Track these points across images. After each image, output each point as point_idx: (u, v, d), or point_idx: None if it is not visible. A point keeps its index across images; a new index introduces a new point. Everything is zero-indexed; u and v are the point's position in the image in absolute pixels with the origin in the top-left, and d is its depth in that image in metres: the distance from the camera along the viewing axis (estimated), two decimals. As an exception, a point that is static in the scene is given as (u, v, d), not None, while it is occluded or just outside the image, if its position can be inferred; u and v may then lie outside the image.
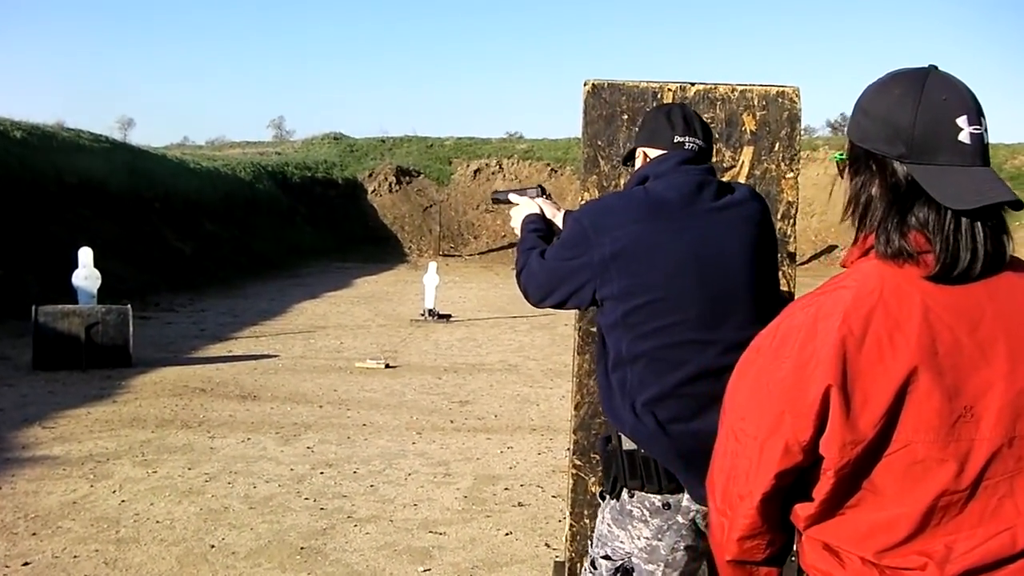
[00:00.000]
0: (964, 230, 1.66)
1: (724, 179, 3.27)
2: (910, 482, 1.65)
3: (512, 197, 3.44)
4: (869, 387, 1.63)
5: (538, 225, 3.21)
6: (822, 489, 1.71)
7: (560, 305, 2.95)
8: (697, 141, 2.92)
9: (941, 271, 1.66)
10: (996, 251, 1.69)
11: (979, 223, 1.67)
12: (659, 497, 2.76)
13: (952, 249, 1.65)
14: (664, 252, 2.72)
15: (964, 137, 1.68)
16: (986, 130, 1.71)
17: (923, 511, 1.65)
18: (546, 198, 3.40)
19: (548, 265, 2.92)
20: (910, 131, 1.69)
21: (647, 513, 2.79)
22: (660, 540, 2.78)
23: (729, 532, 1.83)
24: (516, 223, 3.32)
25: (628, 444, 2.79)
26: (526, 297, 3.05)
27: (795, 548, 1.84)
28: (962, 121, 1.68)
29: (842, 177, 1.85)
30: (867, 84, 1.81)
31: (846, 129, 1.86)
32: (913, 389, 1.63)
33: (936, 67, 1.75)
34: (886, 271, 1.70)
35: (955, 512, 1.66)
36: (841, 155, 1.86)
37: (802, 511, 1.76)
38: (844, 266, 1.81)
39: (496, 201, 3.60)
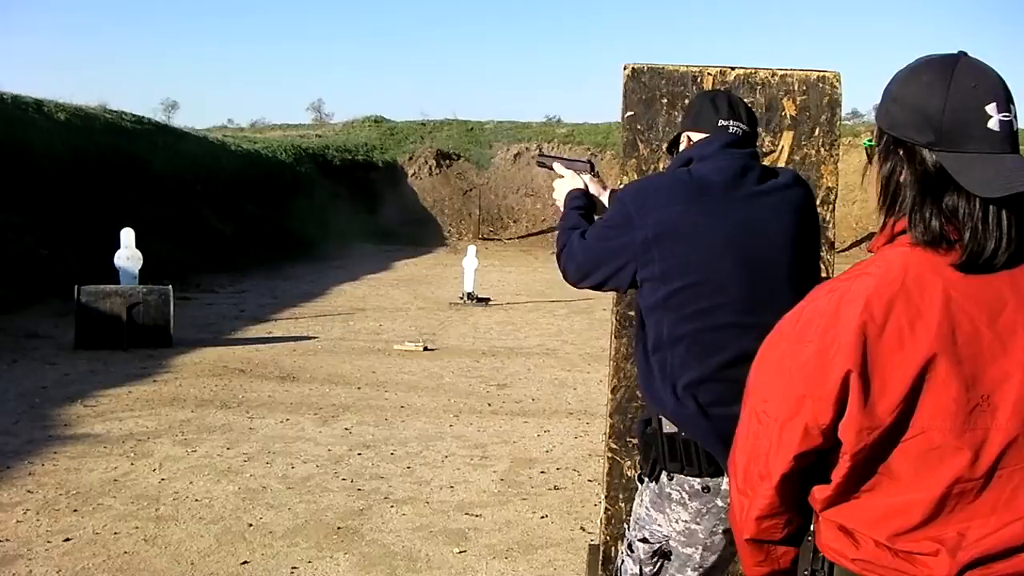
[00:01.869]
0: (992, 218, 1.65)
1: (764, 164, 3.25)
2: (925, 468, 1.66)
3: (557, 167, 3.37)
4: (888, 374, 1.64)
5: (581, 203, 3.18)
6: (839, 472, 1.72)
7: (599, 287, 2.95)
8: (741, 125, 2.90)
9: (968, 260, 1.65)
10: (1022, 240, 1.68)
11: (1007, 212, 1.66)
12: (699, 480, 2.76)
13: (980, 238, 1.65)
14: (706, 235, 2.71)
15: (993, 124, 1.66)
16: (1016, 116, 1.70)
17: (937, 497, 1.66)
18: (593, 175, 3.35)
19: (589, 245, 2.92)
20: (939, 119, 1.68)
21: (686, 496, 2.79)
22: (699, 524, 2.78)
23: (748, 511, 1.85)
24: (559, 196, 3.29)
25: (668, 427, 2.79)
26: (565, 277, 3.04)
27: (812, 528, 1.84)
28: (991, 108, 1.67)
29: (871, 163, 1.85)
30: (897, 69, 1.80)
31: (875, 115, 1.85)
32: (931, 377, 1.63)
33: (966, 53, 1.74)
34: (911, 259, 1.69)
35: (969, 500, 1.66)
36: (871, 141, 1.85)
37: (819, 493, 1.77)
38: (871, 251, 1.80)
39: (541, 164, 3.55)
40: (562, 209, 3.23)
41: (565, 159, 3.41)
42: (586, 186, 3.27)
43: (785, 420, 1.73)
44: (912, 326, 1.64)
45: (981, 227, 1.65)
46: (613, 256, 2.85)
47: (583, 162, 3.40)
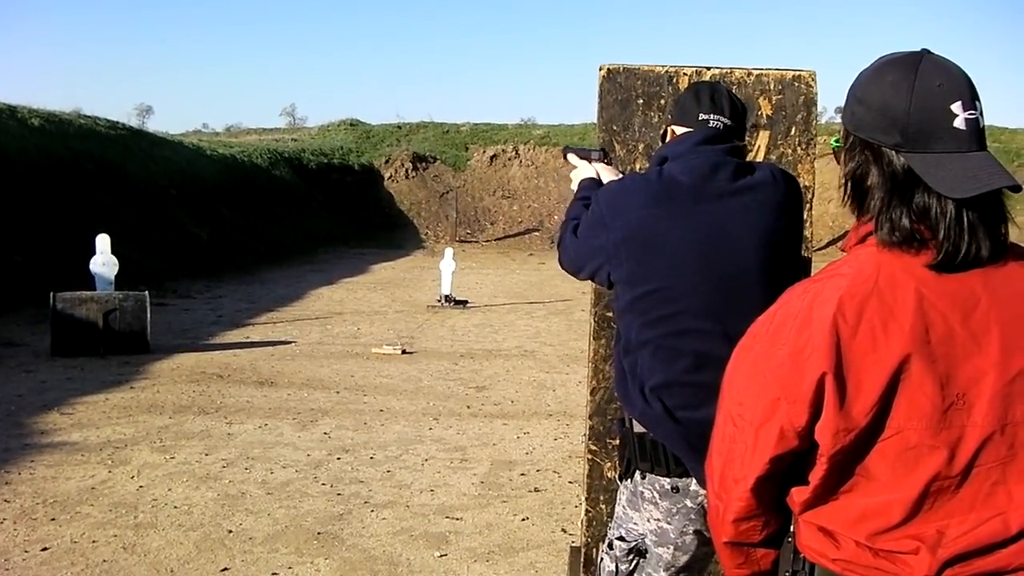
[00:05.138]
0: (964, 218, 1.66)
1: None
2: (903, 468, 1.66)
3: (571, 158, 3.38)
4: (862, 375, 1.64)
5: (587, 194, 3.14)
6: (816, 474, 1.72)
7: (591, 279, 3.02)
8: (722, 119, 2.86)
9: (944, 260, 1.66)
10: (995, 239, 1.68)
11: (979, 211, 1.66)
12: (668, 480, 2.77)
13: (955, 238, 1.65)
14: (669, 240, 2.71)
15: (959, 123, 1.67)
16: (982, 113, 1.70)
17: (915, 496, 1.66)
18: (607, 162, 3.34)
19: (576, 242, 2.95)
20: (905, 120, 1.68)
21: (657, 495, 2.80)
22: (670, 523, 2.79)
23: (724, 514, 1.86)
24: (574, 187, 3.29)
25: (639, 427, 2.80)
26: (561, 267, 3.09)
27: (792, 529, 1.84)
28: (956, 107, 1.67)
29: (839, 163, 1.85)
30: (861, 70, 1.80)
31: (841, 116, 1.85)
32: (906, 377, 1.64)
33: (929, 51, 1.74)
34: (883, 259, 1.70)
35: (947, 498, 1.67)
36: (838, 142, 1.85)
37: (798, 495, 1.78)
38: (844, 250, 1.80)
39: (565, 157, 3.54)
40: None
41: (579, 149, 3.40)
42: (598, 174, 3.25)
43: (760, 423, 1.74)
44: (885, 326, 1.64)
45: (955, 227, 1.65)
46: (593, 255, 2.87)
47: (596, 150, 3.38)
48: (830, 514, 1.74)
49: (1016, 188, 1.66)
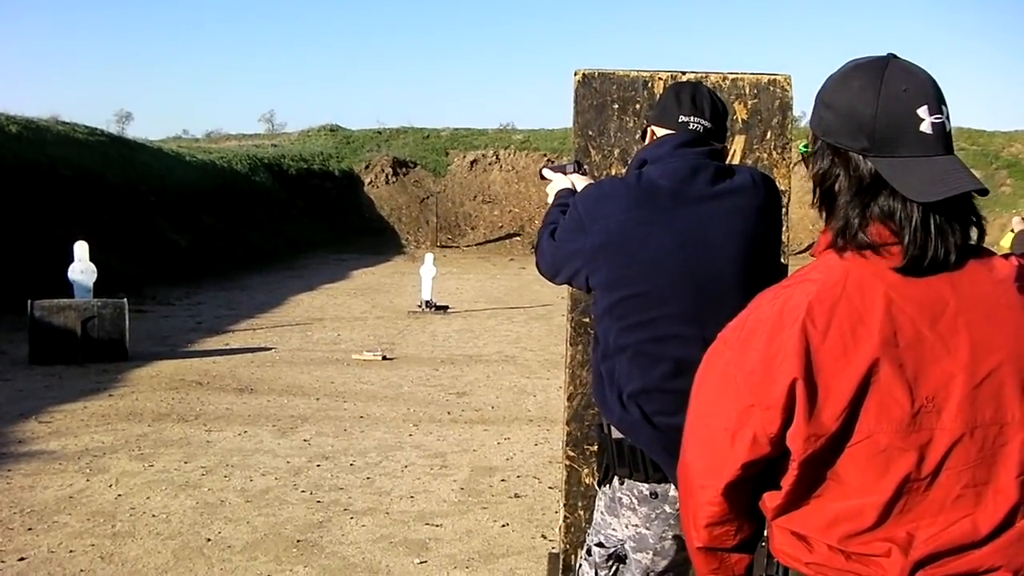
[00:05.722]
0: (931, 222, 1.66)
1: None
2: (873, 472, 1.67)
3: (546, 173, 3.39)
4: (832, 380, 1.65)
5: (565, 201, 3.13)
6: (788, 479, 1.73)
7: (569, 284, 3.01)
8: (702, 122, 2.85)
9: (910, 263, 1.66)
10: (963, 242, 1.69)
11: (946, 214, 1.67)
12: (647, 486, 2.77)
13: (921, 242, 1.66)
14: (649, 245, 2.69)
15: (925, 127, 1.68)
16: (948, 117, 1.71)
17: (887, 499, 1.67)
18: (581, 173, 3.33)
19: (554, 245, 2.93)
20: (872, 125, 1.69)
21: (635, 501, 2.79)
22: (648, 529, 2.78)
23: (697, 520, 1.86)
24: (551, 200, 3.28)
25: (616, 432, 2.79)
26: (539, 271, 3.08)
27: (765, 534, 1.85)
28: (923, 111, 1.68)
29: (807, 168, 1.86)
30: (828, 75, 1.81)
31: (809, 122, 1.86)
32: (875, 381, 1.64)
33: (895, 55, 1.75)
34: (851, 263, 1.71)
35: (918, 500, 1.67)
36: (806, 147, 1.86)
37: (770, 501, 1.78)
38: (814, 255, 1.81)
39: (542, 177, 3.55)
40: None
41: (553, 167, 3.40)
42: (574, 185, 3.24)
43: (735, 430, 1.74)
44: (854, 331, 1.65)
45: (921, 231, 1.66)
46: (571, 259, 2.85)
47: (571, 164, 3.38)
48: (802, 518, 1.75)
49: (983, 192, 1.67)
